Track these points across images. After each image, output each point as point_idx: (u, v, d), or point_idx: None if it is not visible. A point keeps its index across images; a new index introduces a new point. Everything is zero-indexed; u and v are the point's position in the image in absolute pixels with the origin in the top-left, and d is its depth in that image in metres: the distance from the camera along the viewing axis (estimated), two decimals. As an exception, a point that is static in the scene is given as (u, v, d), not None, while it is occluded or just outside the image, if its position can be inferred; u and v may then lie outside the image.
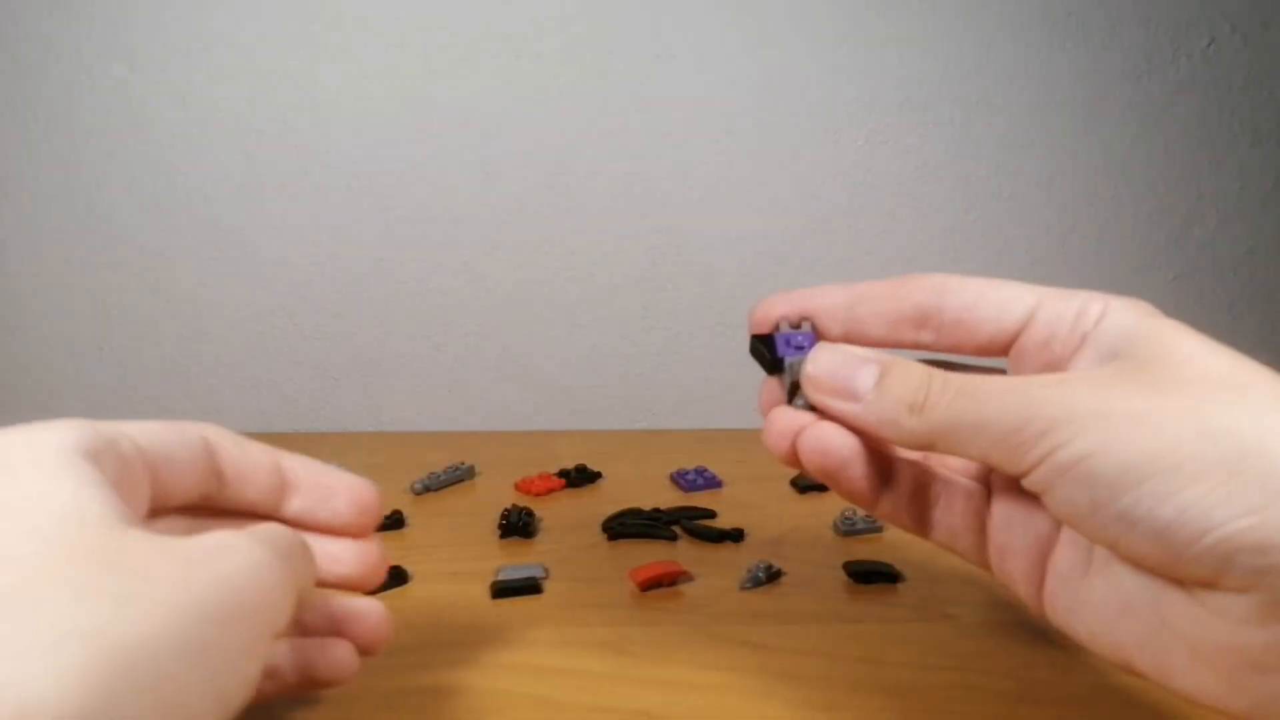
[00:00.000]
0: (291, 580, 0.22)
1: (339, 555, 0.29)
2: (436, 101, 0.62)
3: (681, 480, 0.53)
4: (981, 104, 0.63)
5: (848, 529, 0.45)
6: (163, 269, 0.64)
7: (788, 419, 0.27)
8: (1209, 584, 0.21)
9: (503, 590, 0.39)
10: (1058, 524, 0.25)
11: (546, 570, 0.41)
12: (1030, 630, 0.36)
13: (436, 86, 0.61)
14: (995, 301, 0.26)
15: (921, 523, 0.28)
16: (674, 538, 0.45)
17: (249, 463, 0.28)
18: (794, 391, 0.28)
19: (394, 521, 0.47)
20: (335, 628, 0.28)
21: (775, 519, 0.48)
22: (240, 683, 0.19)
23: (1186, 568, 0.21)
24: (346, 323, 0.64)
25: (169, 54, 0.61)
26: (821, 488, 0.52)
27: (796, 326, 0.28)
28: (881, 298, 0.27)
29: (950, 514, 0.28)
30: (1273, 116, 0.63)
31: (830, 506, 0.49)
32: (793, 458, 0.27)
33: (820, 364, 0.26)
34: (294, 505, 0.29)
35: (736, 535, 0.45)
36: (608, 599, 0.39)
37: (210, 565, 0.19)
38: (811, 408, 0.27)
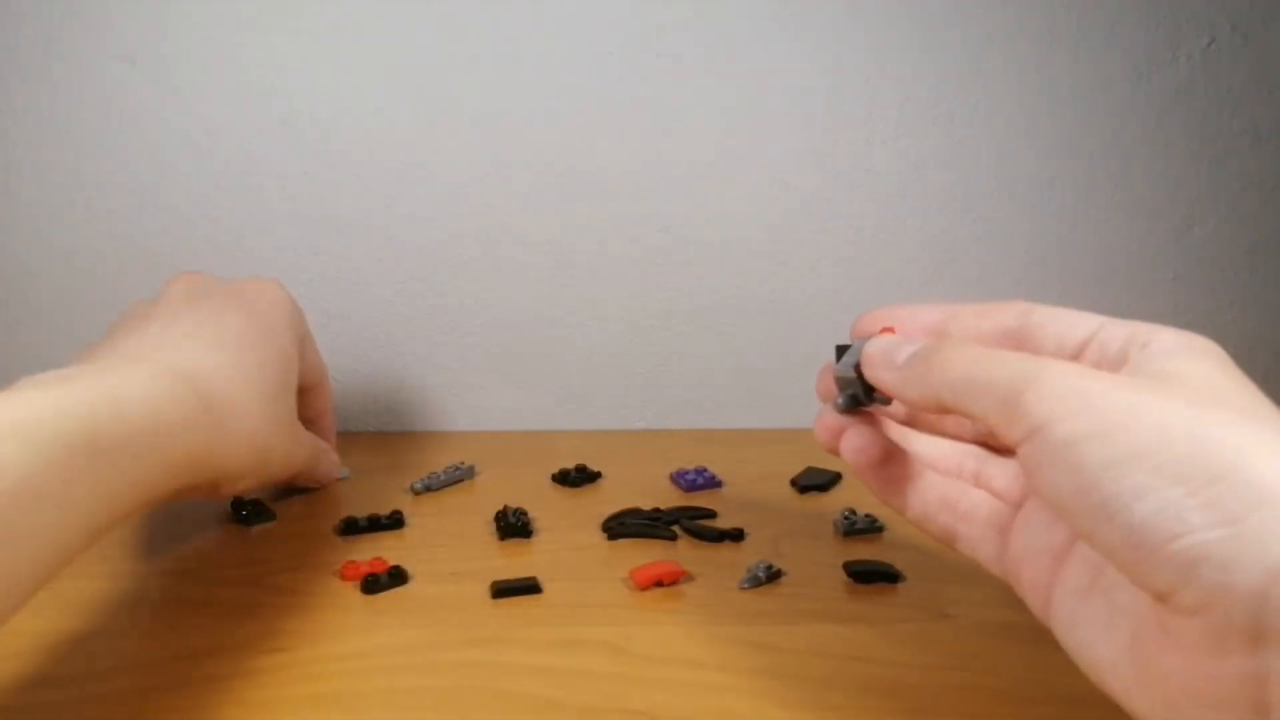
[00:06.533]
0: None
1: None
2: (437, 101, 0.61)
3: (681, 480, 0.53)
4: (981, 103, 0.63)
5: (848, 529, 0.45)
6: (163, 269, 0.64)
7: (831, 418, 0.33)
8: (1166, 595, 0.21)
9: (503, 590, 0.39)
10: (1072, 538, 0.27)
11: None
12: (1030, 630, 0.35)
13: (438, 86, 0.61)
14: (1066, 320, 0.29)
15: (949, 527, 0.31)
16: (674, 538, 0.45)
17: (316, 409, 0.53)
18: (844, 389, 0.33)
19: (394, 521, 0.47)
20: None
21: (775, 519, 0.48)
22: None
23: (1152, 571, 0.21)
24: (346, 323, 0.64)
25: (169, 52, 0.61)
26: (822, 488, 0.52)
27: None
28: (972, 315, 0.31)
29: (975, 522, 0.31)
30: (1274, 115, 0.63)
31: (830, 506, 0.49)
32: (835, 451, 0.33)
33: (876, 344, 0.31)
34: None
35: (736, 535, 0.45)
36: (608, 599, 0.39)
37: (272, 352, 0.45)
38: (852, 408, 0.32)
